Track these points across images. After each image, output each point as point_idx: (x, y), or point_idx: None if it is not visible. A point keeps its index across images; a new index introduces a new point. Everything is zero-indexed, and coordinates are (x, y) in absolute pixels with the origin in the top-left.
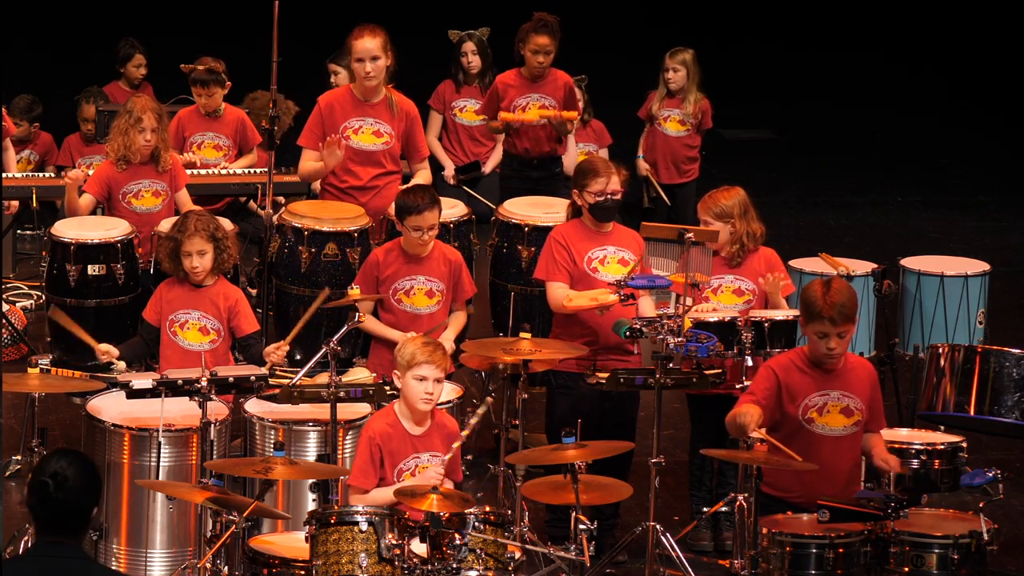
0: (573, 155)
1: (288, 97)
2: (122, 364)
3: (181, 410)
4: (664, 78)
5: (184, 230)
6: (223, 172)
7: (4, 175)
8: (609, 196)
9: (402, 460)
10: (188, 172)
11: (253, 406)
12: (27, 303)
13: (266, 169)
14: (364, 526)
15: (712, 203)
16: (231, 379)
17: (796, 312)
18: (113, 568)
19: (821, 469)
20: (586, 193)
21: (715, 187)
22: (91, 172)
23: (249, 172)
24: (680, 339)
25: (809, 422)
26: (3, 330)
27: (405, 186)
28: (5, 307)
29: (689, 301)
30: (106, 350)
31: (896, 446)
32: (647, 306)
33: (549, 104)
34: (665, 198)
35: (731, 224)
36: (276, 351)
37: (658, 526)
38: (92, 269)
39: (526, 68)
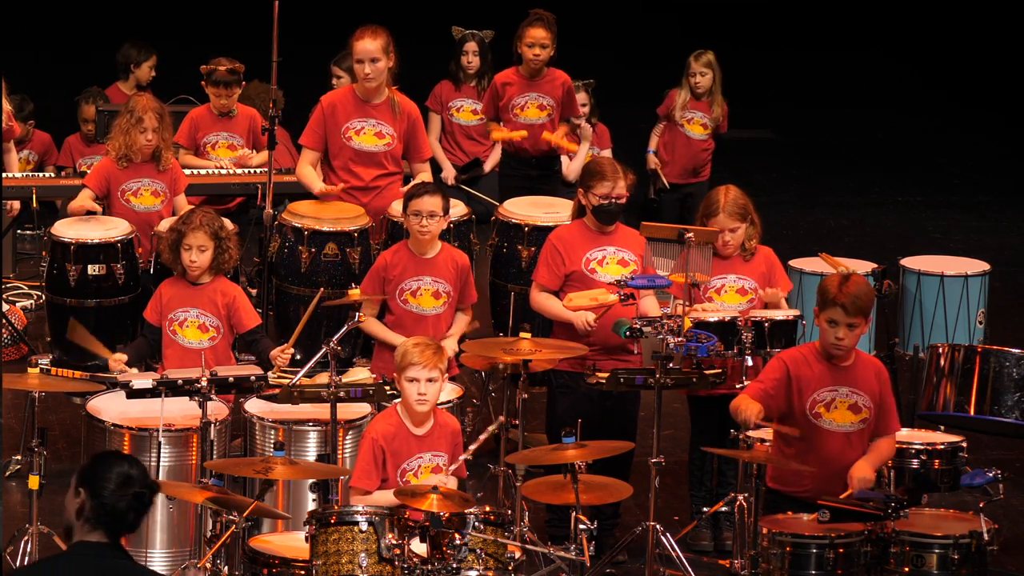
0: (579, 161)
1: (286, 96)
2: (133, 369)
3: (181, 410)
4: (690, 82)
5: (189, 223)
6: (223, 172)
7: (4, 175)
8: (614, 200)
9: (405, 460)
10: (187, 172)
11: (253, 406)
12: (27, 303)
13: (266, 169)
14: (364, 526)
15: (736, 206)
16: (231, 379)
17: (796, 312)
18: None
19: (830, 465)
20: (591, 194)
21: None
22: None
23: (249, 172)
24: (680, 339)
25: (816, 417)
26: (3, 330)
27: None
28: (5, 307)
29: (686, 304)
30: (118, 358)
31: (896, 446)
32: (652, 305)
33: (547, 103)
34: (666, 183)
35: (749, 221)
36: (282, 354)
37: (658, 526)
38: (92, 269)
39: (524, 66)
